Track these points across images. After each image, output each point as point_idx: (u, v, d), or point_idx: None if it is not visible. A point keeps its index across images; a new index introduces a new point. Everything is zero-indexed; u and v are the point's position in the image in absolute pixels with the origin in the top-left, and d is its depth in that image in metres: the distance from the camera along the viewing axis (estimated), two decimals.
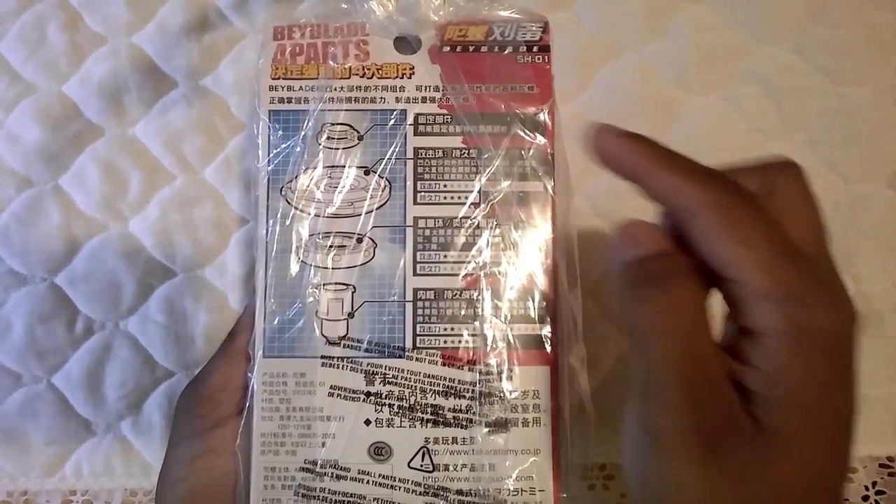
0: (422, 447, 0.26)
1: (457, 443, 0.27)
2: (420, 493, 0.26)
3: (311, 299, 0.27)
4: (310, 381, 0.27)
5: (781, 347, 0.18)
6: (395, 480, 0.26)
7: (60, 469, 0.38)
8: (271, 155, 0.28)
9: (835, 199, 0.38)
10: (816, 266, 0.20)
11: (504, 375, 0.27)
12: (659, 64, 0.39)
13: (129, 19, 0.40)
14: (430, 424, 0.27)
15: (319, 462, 0.26)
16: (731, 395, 0.19)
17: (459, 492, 0.26)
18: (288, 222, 0.27)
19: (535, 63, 0.29)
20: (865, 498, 0.36)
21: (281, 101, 0.28)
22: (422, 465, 0.26)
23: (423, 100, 0.28)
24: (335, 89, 0.28)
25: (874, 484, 0.36)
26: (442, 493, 0.26)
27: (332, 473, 0.26)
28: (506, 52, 0.29)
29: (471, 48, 0.29)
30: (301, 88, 0.28)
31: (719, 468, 0.18)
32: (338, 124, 0.28)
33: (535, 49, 0.30)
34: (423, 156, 0.28)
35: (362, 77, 0.28)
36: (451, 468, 0.26)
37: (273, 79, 0.29)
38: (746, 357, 0.19)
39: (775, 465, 0.18)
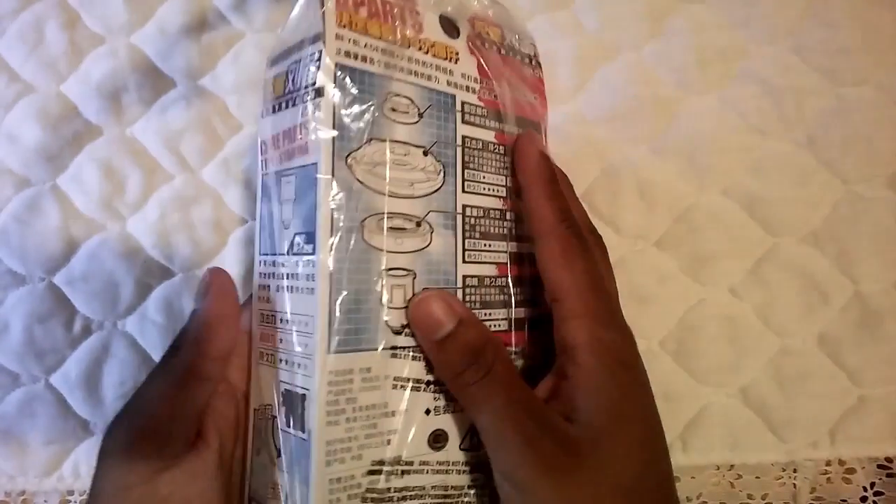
0: (470, 427, 0.26)
1: None
2: (468, 472, 0.26)
3: (378, 286, 0.24)
4: (375, 376, 0.24)
5: (586, 355, 0.23)
6: (449, 465, 0.26)
7: (58, 469, 0.38)
8: (337, 116, 0.24)
9: (834, 199, 0.38)
10: (611, 299, 0.25)
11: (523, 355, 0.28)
12: (657, 64, 0.39)
13: (127, 19, 0.40)
14: None
15: (386, 461, 0.24)
16: (557, 421, 0.23)
17: None
18: (352, 197, 0.24)
19: (537, 76, 0.31)
20: (864, 499, 0.36)
21: (347, 55, 0.24)
22: (470, 445, 0.26)
23: (467, 88, 0.27)
24: (399, 56, 0.25)
25: (872, 485, 0.36)
26: (486, 468, 0.26)
27: (397, 471, 0.25)
28: (517, 59, 0.30)
29: (493, 48, 0.29)
30: (366, 46, 0.25)
31: (568, 484, 0.22)
32: (402, 96, 0.25)
33: (534, 63, 0.31)
34: (469, 145, 0.27)
35: (419, 50, 0.26)
36: None
37: (339, 26, 0.24)
38: (564, 373, 0.24)
39: (597, 465, 0.22)
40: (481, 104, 0.28)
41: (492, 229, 0.27)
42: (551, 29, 0.40)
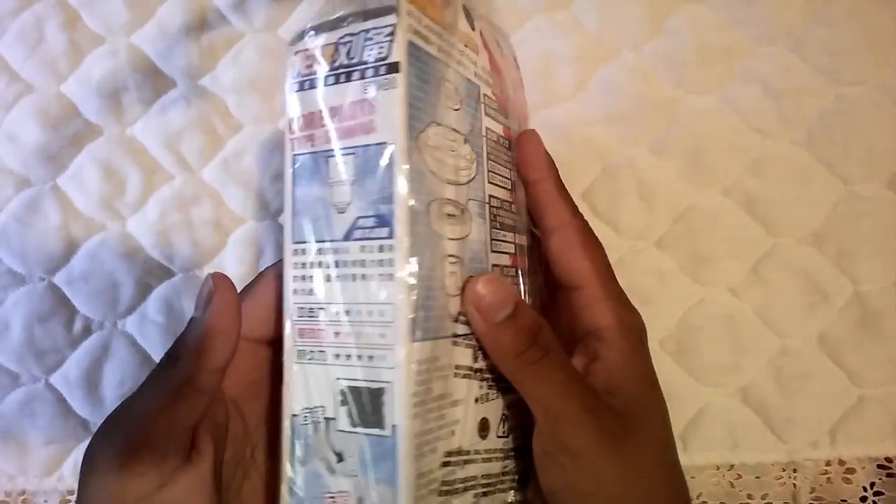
0: (503, 414, 0.26)
1: (514, 406, 0.26)
2: (502, 460, 0.26)
3: (441, 272, 0.23)
4: (444, 365, 0.23)
5: (616, 337, 0.25)
6: (490, 452, 0.25)
7: (58, 469, 0.38)
8: (409, 95, 0.23)
9: (834, 199, 0.38)
10: (618, 284, 0.27)
11: None
12: (657, 64, 0.39)
13: (127, 19, 0.40)
14: (504, 392, 0.26)
15: (453, 452, 0.24)
16: (604, 395, 0.24)
17: (520, 449, 0.27)
18: (421, 180, 0.23)
19: (519, 76, 0.31)
20: (864, 499, 0.36)
21: (416, 33, 0.23)
22: (503, 433, 0.26)
23: (486, 82, 0.27)
24: (448, 42, 0.25)
25: (872, 485, 0.36)
26: (514, 453, 0.26)
27: (461, 462, 0.24)
28: (508, 56, 0.30)
29: (493, 43, 0.29)
30: (426, 27, 0.24)
31: (622, 452, 0.23)
32: (450, 82, 0.25)
33: (516, 62, 0.31)
34: (490, 137, 0.27)
35: (458, 39, 0.25)
36: (515, 429, 0.27)
37: (408, 1, 0.23)
38: (594, 354, 0.25)
39: (641, 435, 0.24)
40: (493, 98, 0.28)
41: (507, 220, 0.27)
42: (551, 29, 0.40)
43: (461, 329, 0.24)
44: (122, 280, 0.38)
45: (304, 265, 0.24)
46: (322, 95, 0.23)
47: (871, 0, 0.39)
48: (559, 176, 0.27)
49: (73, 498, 0.38)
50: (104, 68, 0.40)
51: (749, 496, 0.36)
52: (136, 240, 0.39)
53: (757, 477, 0.36)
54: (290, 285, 0.24)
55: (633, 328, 0.26)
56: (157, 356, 0.38)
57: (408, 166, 0.22)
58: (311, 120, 0.24)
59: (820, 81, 0.38)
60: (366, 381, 0.22)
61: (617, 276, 0.37)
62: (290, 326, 0.24)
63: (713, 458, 0.36)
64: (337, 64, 0.23)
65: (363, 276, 0.22)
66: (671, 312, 0.37)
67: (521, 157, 0.27)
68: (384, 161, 0.22)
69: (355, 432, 0.22)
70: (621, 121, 0.39)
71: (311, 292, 0.23)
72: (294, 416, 0.24)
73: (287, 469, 0.23)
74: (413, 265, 0.22)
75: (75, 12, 0.40)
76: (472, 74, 0.26)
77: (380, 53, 0.23)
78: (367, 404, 0.22)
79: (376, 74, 0.23)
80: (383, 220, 0.22)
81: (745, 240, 0.38)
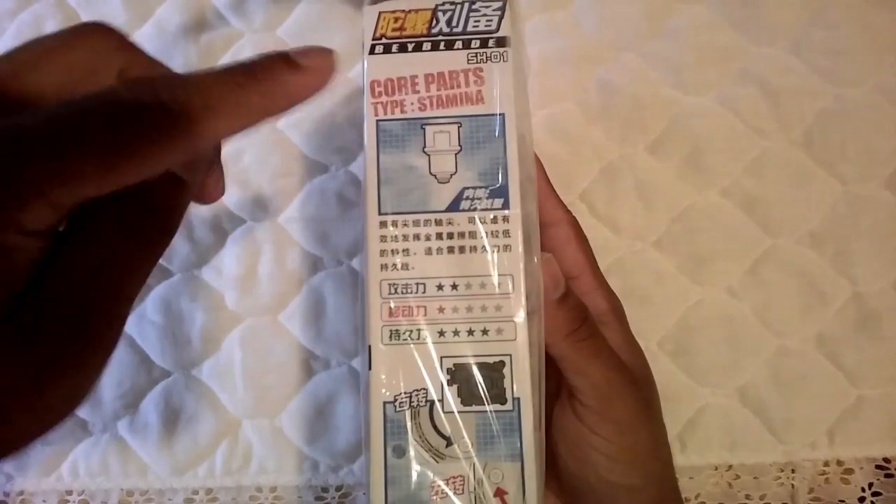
0: None
1: None
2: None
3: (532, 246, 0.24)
4: (534, 340, 0.24)
5: (614, 321, 0.28)
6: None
7: (57, 469, 0.38)
8: (516, 69, 0.24)
9: (832, 200, 0.38)
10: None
11: None
12: (656, 64, 0.39)
13: (126, 19, 0.40)
14: None
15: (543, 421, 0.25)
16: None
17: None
18: (523, 154, 0.24)
19: None
20: (862, 499, 0.36)
21: (514, 8, 0.25)
22: None
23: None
24: (519, 25, 0.26)
25: (871, 485, 0.36)
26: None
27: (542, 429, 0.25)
28: None
29: None
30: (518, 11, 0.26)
31: (651, 422, 0.27)
32: (522, 63, 0.26)
33: None
34: None
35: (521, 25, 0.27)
36: None
37: None
38: (605, 336, 0.26)
39: (655, 403, 0.28)
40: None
41: None
42: (550, 29, 0.40)
43: (535, 302, 0.23)
44: None
45: (395, 238, 0.22)
46: (418, 61, 0.23)
47: (870, 1, 0.39)
48: (545, 172, 0.29)
49: (72, 498, 0.38)
50: None
51: (747, 496, 0.36)
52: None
53: (755, 477, 0.36)
54: (375, 260, 0.22)
55: (621, 311, 0.29)
56: (155, 356, 0.38)
57: (515, 139, 0.22)
58: (402, 85, 0.23)
59: (818, 82, 0.39)
60: (481, 356, 0.21)
61: (616, 277, 0.37)
62: (378, 305, 0.22)
63: (711, 459, 0.36)
64: (436, 30, 0.23)
65: (473, 248, 0.22)
66: (669, 313, 0.37)
67: None
68: (498, 132, 0.22)
69: (468, 411, 0.21)
70: (620, 121, 0.39)
71: (405, 267, 0.22)
72: (387, 403, 0.22)
73: (380, 463, 0.21)
74: (526, 237, 0.22)
75: (74, 12, 0.40)
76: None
77: (488, 26, 0.23)
78: (483, 380, 0.21)
79: (484, 46, 0.23)
80: (498, 191, 0.22)
81: (743, 240, 0.38)
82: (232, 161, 0.39)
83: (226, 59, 0.40)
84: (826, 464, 0.36)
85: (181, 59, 0.40)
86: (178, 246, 0.39)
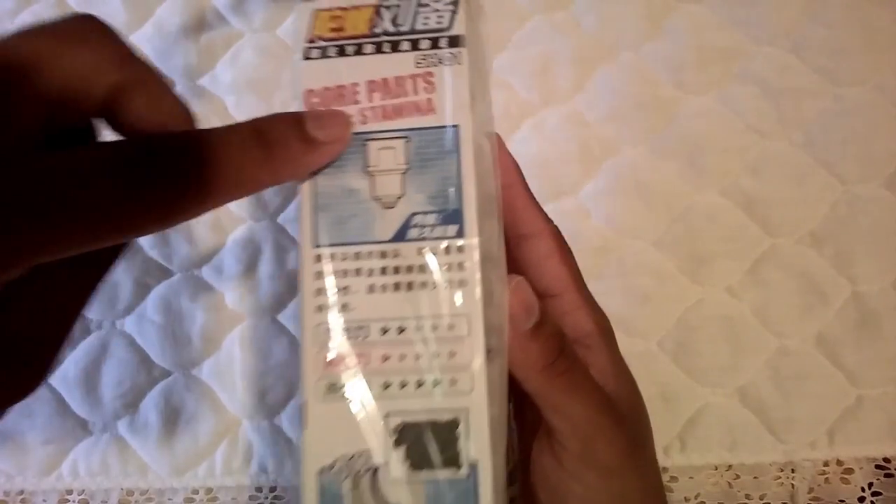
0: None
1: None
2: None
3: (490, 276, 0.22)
4: (496, 384, 0.21)
5: (601, 343, 0.24)
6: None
7: (57, 468, 0.38)
8: (471, 73, 0.21)
9: (832, 199, 0.38)
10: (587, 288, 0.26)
11: None
12: (656, 64, 0.39)
13: (126, 19, 0.40)
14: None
15: (508, 477, 0.22)
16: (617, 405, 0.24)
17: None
18: (482, 173, 0.21)
19: None
20: (861, 499, 0.36)
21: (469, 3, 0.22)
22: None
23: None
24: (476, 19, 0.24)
25: (870, 485, 0.36)
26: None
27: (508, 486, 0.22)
28: None
29: None
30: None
31: (642, 466, 0.23)
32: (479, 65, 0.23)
33: None
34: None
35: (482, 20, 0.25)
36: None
37: None
38: (586, 362, 0.23)
39: (643, 442, 0.24)
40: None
41: None
42: (550, 29, 0.40)
43: (496, 341, 0.20)
44: (121, 280, 0.38)
45: (333, 274, 0.19)
46: (358, 66, 0.20)
47: (870, 1, 0.39)
48: (525, 180, 0.26)
49: (72, 497, 0.38)
50: None
51: (747, 496, 0.36)
52: (135, 239, 0.39)
53: (755, 477, 0.36)
54: (310, 302, 0.19)
55: (609, 331, 0.25)
56: (155, 356, 0.38)
57: (472, 154, 0.19)
58: (340, 94, 0.20)
59: (818, 82, 0.39)
60: (431, 411, 0.18)
61: (616, 277, 0.36)
62: (314, 355, 0.19)
63: (711, 459, 0.36)
64: (378, 30, 0.20)
65: (423, 284, 0.19)
66: (670, 312, 0.37)
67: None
68: (450, 147, 0.19)
69: (417, 479, 0.18)
70: (620, 121, 0.39)
71: (345, 308, 0.19)
72: (323, 469, 0.19)
73: None
74: (484, 269, 0.19)
75: (74, 12, 0.40)
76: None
77: (439, 23, 0.20)
78: (434, 441, 0.18)
79: (434, 46, 0.20)
80: (451, 217, 0.19)
81: (743, 240, 0.38)
82: None
83: (226, 60, 0.40)
84: (826, 464, 0.36)
85: (181, 59, 0.40)
86: (178, 246, 0.39)
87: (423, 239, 0.19)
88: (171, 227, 0.16)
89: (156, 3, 0.40)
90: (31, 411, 0.38)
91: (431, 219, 0.19)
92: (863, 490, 0.36)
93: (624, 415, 0.23)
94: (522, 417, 0.25)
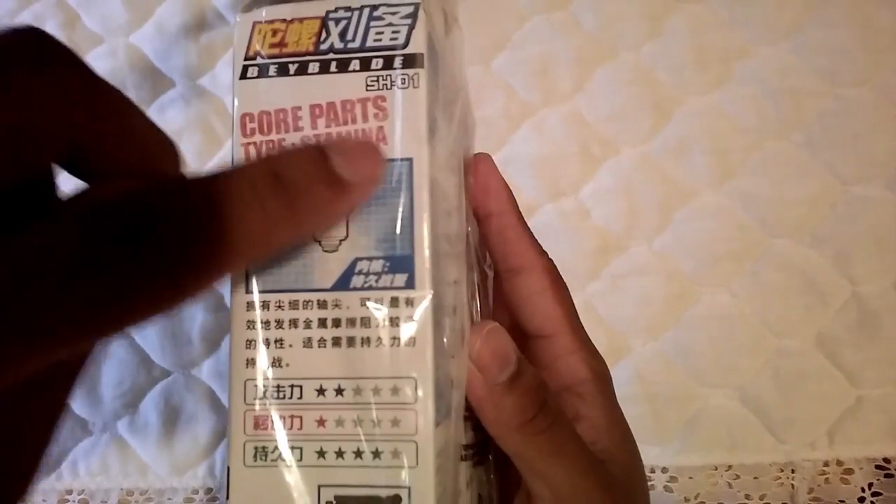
0: (478, 494, 0.22)
1: (475, 478, 0.22)
2: None
3: (447, 329, 0.19)
4: (449, 450, 0.19)
5: (596, 393, 0.22)
6: None
7: (57, 468, 0.38)
8: (429, 96, 0.19)
9: (832, 200, 0.38)
10: (584, 329, 0.24)
11: None
12: (656, 64, 0.39)
13: (126, 19, 0.40)
14: (477, 464, 0.22)
15: None
16: (606, 466, 0.21)
17: None
18: (437, 211, 0.19)
19: None
20: (861, 499, 0.36)
21: (430, 18, 0.20)
22: None
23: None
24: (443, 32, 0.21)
25: (870, 485, 0.36)
26: None
27: None
28: None
29: None
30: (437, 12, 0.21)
31: None
32: (442, 83, 0.21)
33: None
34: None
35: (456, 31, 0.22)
36: None
37: None
38: (575, 413, 0.22)
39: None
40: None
41: (469, 256, 0.23)
42: (550, 29, 0.40)
43: (458, 399, 0.18)
44: None
45: (266, 324, 0.17)
46: (301, 88, 0.18)
47: (870, 1, 0.39)
48: (518, 207, 0.23)
49: (72, 497, 0.38)
50: (103, 68, 0.40)
51: (747, 496, 0.36)
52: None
53: (755, 477, 0.36)
54: (239, 354, 0.17)
55: (605, 378, 0.23)
56: (155, 356, 0.38)
57: (427, 191, 0.17)
58: (281, 120, 0.18)
59: (819, 82, 0.39)
60: (369, 486, 0.16)
61: (615, 277, 0.36)
62: (241, 414, 0.17)
63: (711, 459, 0.36)
64: (325, 47, 0.18)
65: (366, 340, 0.17)
66: (670, 312, 0.37)
67: (479, 184, 0.23)
68: (401, 183, 0.17)
69: None
70: (620, 121, 0.39)
71: (277, 363, 0.17)
72: None
73: None
74: (436, 324, 0.17)
75: (74, 12, 0.40)
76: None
77: (393, 39, 0.17)
78: None
79: (388, 67, 0.17)
80: (400, 264, 0.17)
81: (743, 240, 0.38)
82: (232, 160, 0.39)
83: (226, 60, 0.40)
84: (826, 464, 0.36)
85: (181, 60, 0.40)
86: None
87: (368, 288, 0.17)
88: (174, 309, 0.13)
89: (156, 3, 0.40)
90: None
91: (378, 266, 0.17)
92: (863, 490, 0.36)
93: (615, 477, 0.20)
94: (504, 471, 0.22)
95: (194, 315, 0.38)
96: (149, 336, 0.38)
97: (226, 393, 0.39)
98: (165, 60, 0.40)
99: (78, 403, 0.38)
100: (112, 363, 0.38)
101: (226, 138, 0.39)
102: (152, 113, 0.39)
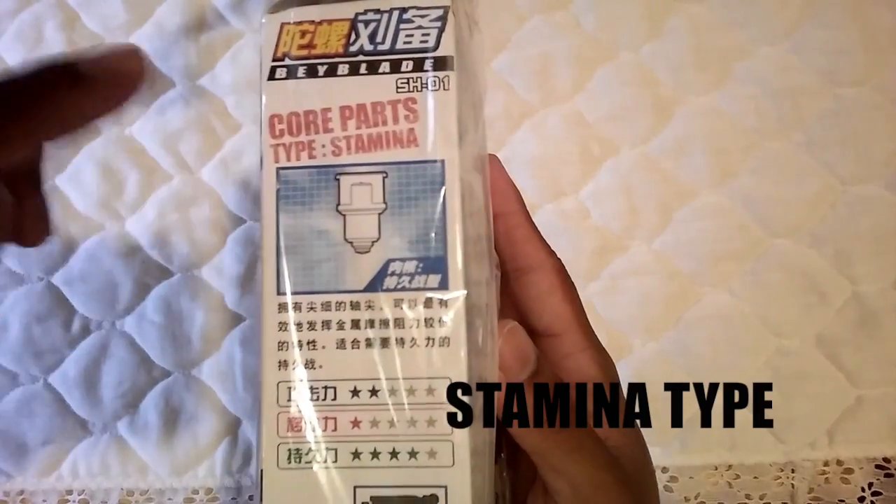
0: (495, 493, 0.22)
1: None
2: None
3: (479, 328, 0.20)
4: (481, 449, 0.19)
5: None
6: None
7: (57, 469, 0.38)
8: (459, 99, 0.19)
9: (832, 199, 0.38)
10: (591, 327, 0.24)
11: None
12: (656, 64, 0.39)
13: (126, 19, 0.40)
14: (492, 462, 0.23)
15: None
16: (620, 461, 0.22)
17: None
18: (468, 215, 0.19)
19: None
20: (861, 499, 0.36)
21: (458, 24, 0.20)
22: None
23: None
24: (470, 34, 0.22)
25: (870, 485, 0.36)
26: None
27: None
28: None
29: None
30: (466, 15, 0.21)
31: None
32: (470, 86, 0.21)
33: None
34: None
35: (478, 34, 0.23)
36: None
37: None
38: (591, 411, 0.22)
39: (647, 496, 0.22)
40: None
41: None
42: (550, 29, 0.40)
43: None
44: (121, 280, 0.38)
45: (299, 326, 0.17)
46: (331, 89, 0.18)
47: (870, 1, 0.39)
48: (526, 207, 0.24)
49: (72, 497, 0.38)
50: None
51: (747, 496, 0.36)
52: (135, 240, 0.39)
53: (755, 477, 0.36)
54: (272, 356, 0.17)
55: (615, 377, 0.23)
56: (155, 356, 0.38)
57: (459, 193, 0.17)
58: (310, 121, 0.18)
59: (818, 82, 0.39)
60: (406, 486, 0.16)
61: (615, 277, 0.36)
62: (274, 416, 0.17)
63: (711, 459, 0.36)
64: (354, 48, 0.18)
65: (400, 341, 0.17)
66: (669, 312, 0.37)
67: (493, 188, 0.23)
68: (433, 185, 0.17)
69: None
70: (620, 121, 0.39)
71: (311, 364, 0.17)
72: None
73: None
74: (469, 325, 0.17)
75: (74, 12, 0.40)
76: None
77: (424, 42, 0.17)
78: None
79: (418, 69, 0.17)
80: (434, 265, 0.17)
81: (743, 240, 0.38)
82: (232, 161, 0.39)
83: (226, 60, 0.40)
84: (826, 464, 0.36)
85: (181, 60, 0.40)
86: (178, 246, 0.39)
87: (402, 289, 0.17)
88: None
89: (156, 3, 0.40)
90: (31, 411, 0.38)
91: (411, 267, 0.17)
92: (863, 490, 0.36)
93: (628, 473, 0.21)
94: (516, 468, 0.23)
95: (194, 315, 0.38)
96: (149, 336, 0.38)
97: (225, 393, 0.39)
98: (165, 60, 0.40)
99: (78, 403, 0.38)
100: (112, 363, 0.38)
101: (225, 139, 0.39)
102: (152, 114, 0.39)
